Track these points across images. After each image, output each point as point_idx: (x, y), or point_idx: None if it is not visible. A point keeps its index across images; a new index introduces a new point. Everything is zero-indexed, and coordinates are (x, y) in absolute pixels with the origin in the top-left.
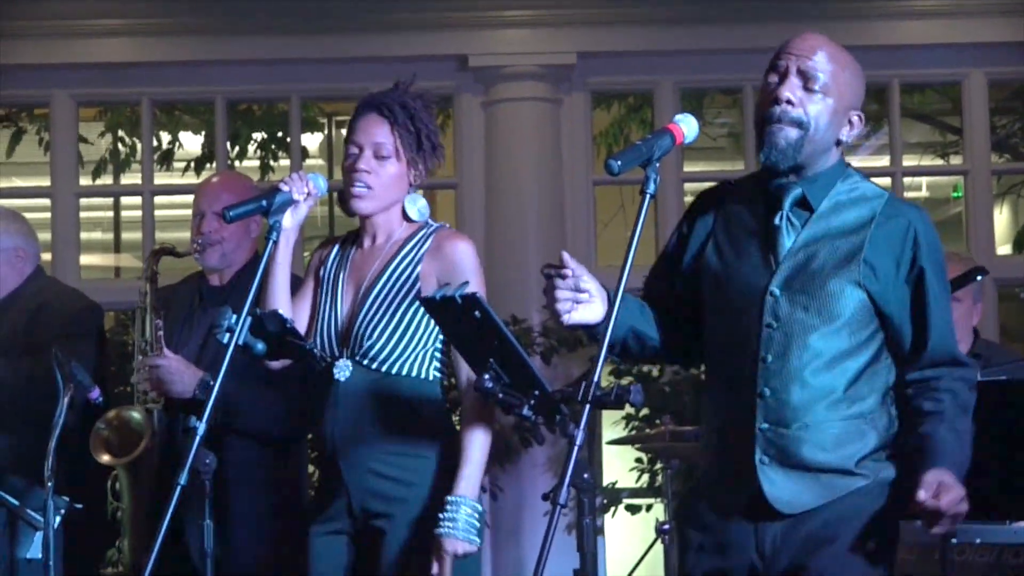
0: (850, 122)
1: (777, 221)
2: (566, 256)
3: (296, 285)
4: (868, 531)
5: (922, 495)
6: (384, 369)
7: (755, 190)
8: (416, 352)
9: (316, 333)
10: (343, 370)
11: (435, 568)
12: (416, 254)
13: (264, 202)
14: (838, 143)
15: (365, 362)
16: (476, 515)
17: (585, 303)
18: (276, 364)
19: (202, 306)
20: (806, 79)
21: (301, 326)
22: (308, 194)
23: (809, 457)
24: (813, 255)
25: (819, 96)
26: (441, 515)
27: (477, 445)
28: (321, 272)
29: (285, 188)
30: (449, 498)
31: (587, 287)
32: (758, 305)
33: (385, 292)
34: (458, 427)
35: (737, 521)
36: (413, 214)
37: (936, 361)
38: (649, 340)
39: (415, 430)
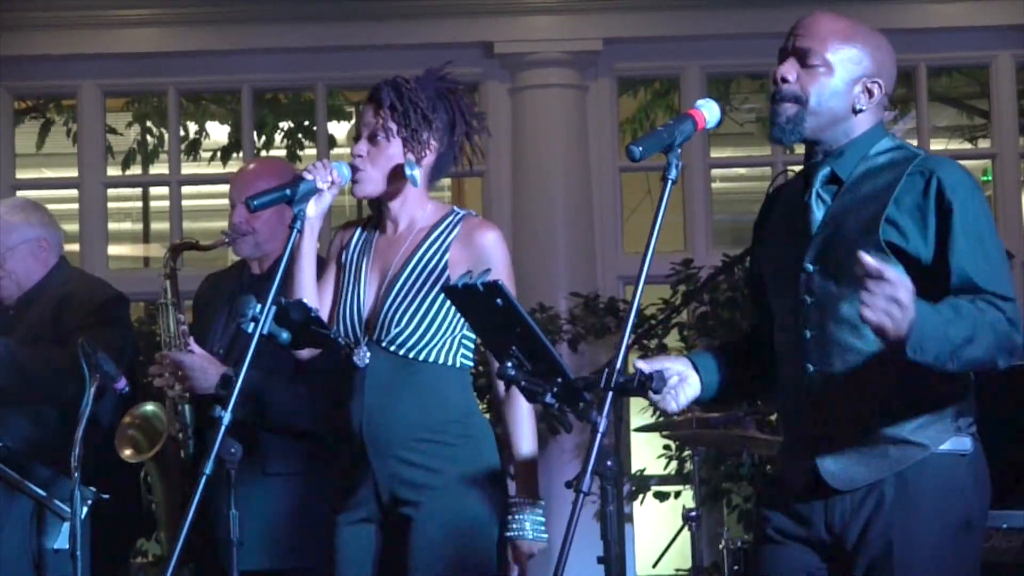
0: (868, 90)
1: (807, 199)
2: (639, 366)
3: (320, 267)
4: (942, 506)
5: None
6: (411, 355)
7: (793, 185)
8: (444, 339)
9: (338, 318)
10: (364, 356)
11: (515, 572)
12: (444, 241)
13: (288, 191)
14: (856, 112)
15: (392, 348)
16: (540, 511)
17: (682, 384)
18: (305, 353)
19: (242, 294)
20: (802, 56)
21: (324, 310)
22: (332, 183)
23: (863, 427)
24: (840, 225)
25: (820, 70)
26: (509, 518)
27: (526, 439)
28: (343, 257)
29: (309, 177)
30: (511, 499)
31: (678, 371)
32: (796, 282)
33: (413, 279)
34: (485, 415)
35: (805, 499)
36: (408, 173)
37: (961, 290)
38: (745, 383)
39: (442, 417)
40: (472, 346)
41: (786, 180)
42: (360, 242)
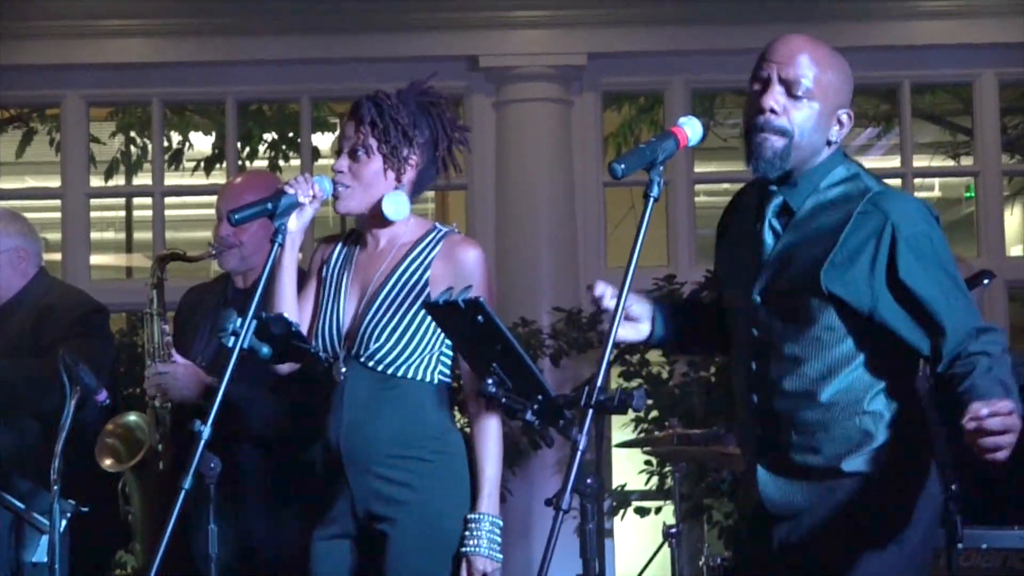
0: (839, 121)
1: (759, 228)
2: (598, 291)
3: (302, 281)
4: (873, 517)
5: (969, 421)
6: (389, 371)
7: (753, 196)
8: (422, 355)
9: (318, 333)
10: (343, 370)
11: None
12: (426, 258)
13: (269, 205)
14: (828, 143)
15: (370, 364)
16: (497, 530)
17: (630, 323)
18: (284, 368)
19: (225, 308)
20: (789, 86)
21: (304, 324)
22: (314, 196)
23: (798, 461)
24: (788, 262)
25: (804, 102)
26: (466, 533)
27: (491, 459)
28: (324, 271)
29: (291, 191)
30: (471, 516)
31: (634, 313)
32: (746, 313)
33: (394, 295)
34: (464, 430)
35: (752, 522)
36: (388, 211)
37: (956, 342)
38: (686, 344)
39: (419, 433)
40: (450, 362)
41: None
42: (341, 256)
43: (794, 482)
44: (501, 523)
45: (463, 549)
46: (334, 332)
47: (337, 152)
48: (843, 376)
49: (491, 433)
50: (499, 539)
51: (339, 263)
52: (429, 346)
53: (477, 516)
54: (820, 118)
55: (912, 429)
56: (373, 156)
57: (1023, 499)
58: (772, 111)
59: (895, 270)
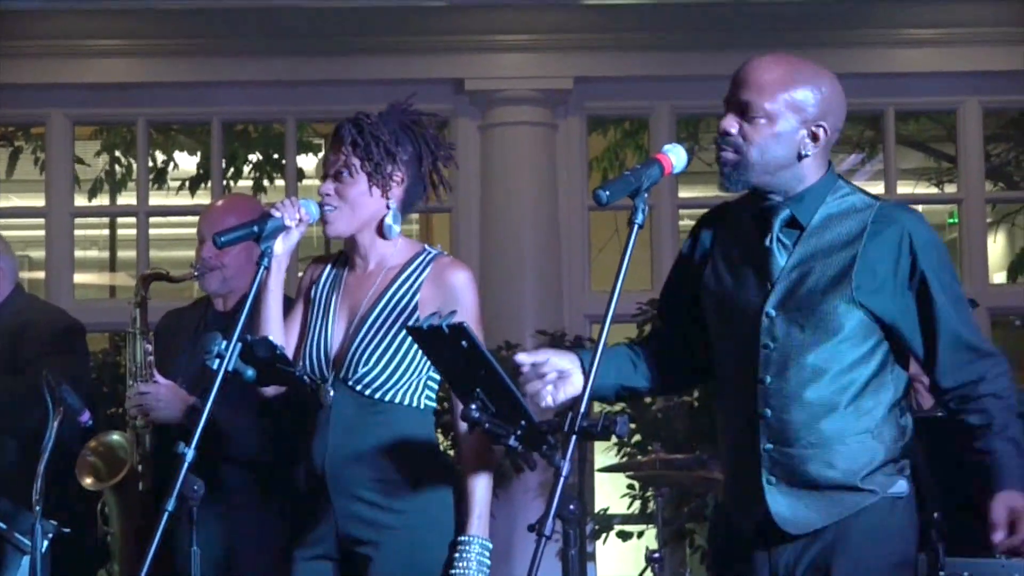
0: (812, 135)
1: (768, 243)
2: (518, 359)
3: (288, 306)
4: (882, 549)
5: (998, 536)
6: (376, 396)
7: (749, 212)
8: (410, 380)
9: (306, 355)
10: (330, 394)
11: None
12: (415, 282)
13: (255, 228)
14: (802, 157)
15: (358, 388)
16: (487, 553)
17: (562, 382)
18: (270, 390)
19: (206, 331)
20: (743, 108)
21: (291, 347)
22: (300, 220)
23: (815, 475)
24: (807, 273)
25: (760, 121)
26: (455, 556)
27: (481, 483)
28: (312, 292)
29: (277, 214)
30: (460, 539)
31: (559, 367)
32: (755, 327)
33: (382, 319)
34: (449, 453)
35: (751, 545)
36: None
37: (961, 361)
38: (640, 389)
39: (404, 458)
40: (436, 387)
41: (729, 205)
42: (330, 279)
43: (808, 497)
44: (491, 546)
45: (452, 572)
46: (322, 355)
47: (323, 177)
48: (863, 387)
49: (482, 458)
50: (488, 563)
51: (328, 285)
52: (417, 371)
53: (467, 539)
54: (781, 134)
55: (909, 446)
56: (357, 175)
57: None
58: (726, 133)
59: (921, 278)
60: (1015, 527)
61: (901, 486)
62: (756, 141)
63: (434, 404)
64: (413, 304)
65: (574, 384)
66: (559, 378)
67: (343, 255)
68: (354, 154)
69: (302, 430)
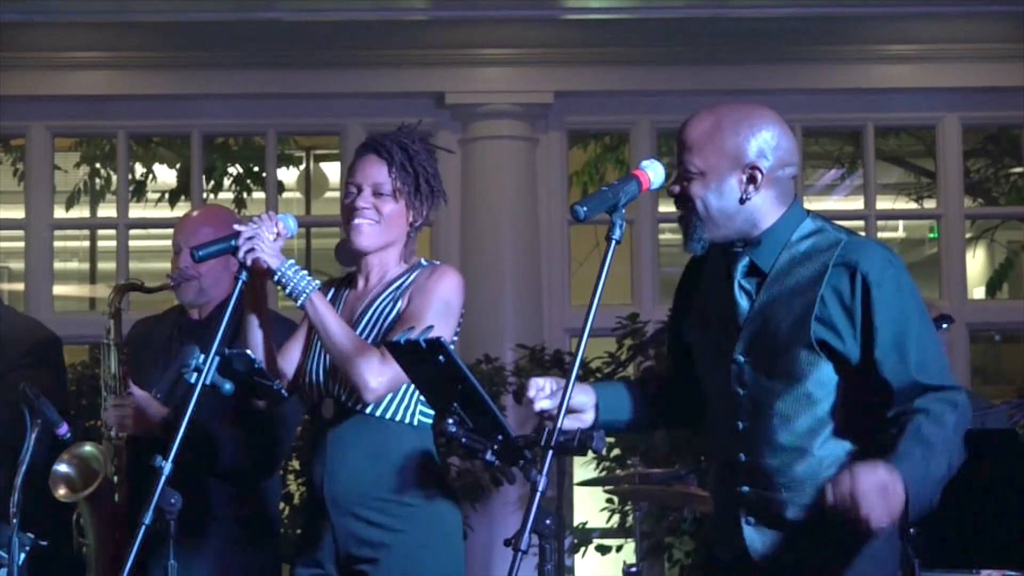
0: (751, 179)
1: (728, 290)
2: (531, 391)
3: (288, 328)
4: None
5: (828, 492)
6: (368, 412)
7: (719, 255)
8: (401, 395)
9: (306, 372)
10: (328, 410)
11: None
12: (399, 291)
13: (233, 242)
14: (743, 201)
15: (350, 404)
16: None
17: (574, 418)
18: (261, 403)
19: (180, 340)
20: (683, 165)
21: (293, 363)
22: (278, 235)
23: (793, 517)
24: (769, 319)
25: (694, 176)
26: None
27: (344, 330)
28: None
29: (252, 228)
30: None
31: (575, 404)
32: (727, 373)
33: (367, 330)
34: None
35: (728, 572)
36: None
37: (904, 392)
38: (649, 425)
39: (402, 476)
40: None
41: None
42: (332, 296)
43: (783, 534)
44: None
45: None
46: (320, 371)
47: (351, 184)
48: (833, 429)
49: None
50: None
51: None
52: (409, 387)
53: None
54: (715, 186)
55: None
56: (399, 199)
57: (985, 542)
58: (671, 194)
59: (871, 316)
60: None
61: None
62: (698, 196)
63: (430, 420)
64: (395, 314)
65: (583, 421)
66: (571, 413)
67: (348, 276)
68: (400, 178)
69: (281, 442)
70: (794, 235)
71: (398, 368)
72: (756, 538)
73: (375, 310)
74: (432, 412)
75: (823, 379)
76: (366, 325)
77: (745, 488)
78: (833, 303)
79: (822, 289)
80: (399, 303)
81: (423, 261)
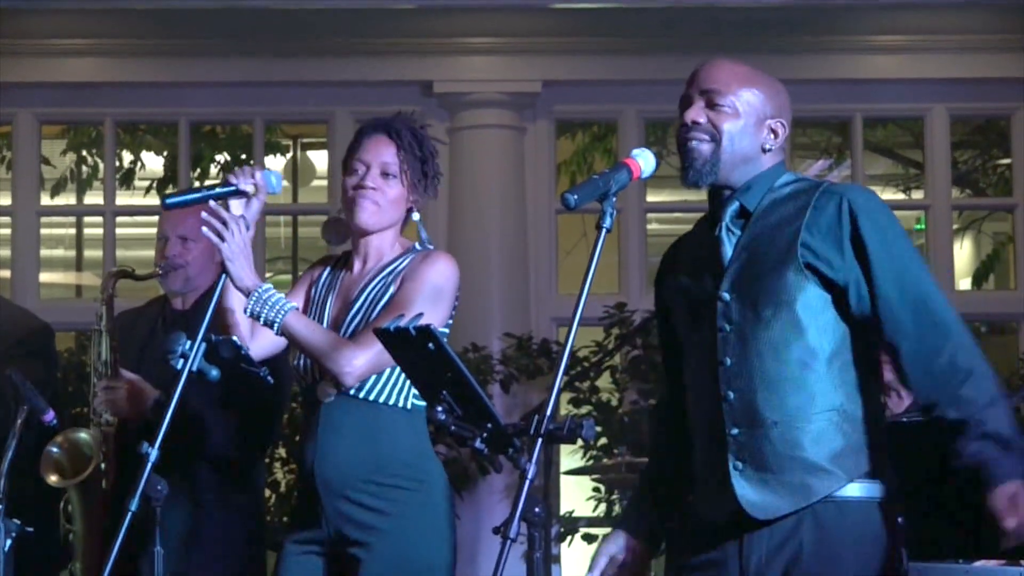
0: (772, 131)
1: (717, 232)
2: None
3: None
4: (861, 557)
5: (1010, 523)
6: (361, 396)
7: (702, 224)
8: (395, 379)
9: (300, 355)
10: (326, 392)
11: None
12: (393, 274)
13: (205, 192)
14: (764, 151)
15: (343, 387)
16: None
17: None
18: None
19: (164, 329)
20: (710, 99)
21: (268, 347)
22: (255, 187)
23: (783, 454)
24: (754, 252)
25: (727, 110)
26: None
27: (316, 334)
28: (311, 293)
29: (232, 180)
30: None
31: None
32: (711, 313)
33: (361, 315)
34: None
35: (719, 538)
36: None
37: (923, 325)
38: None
39: (394, 460)
40: None
41: (677, 241)
42: (327, 278)
43: (775, 481)
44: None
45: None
46: (306, 360)
47: (358, 162)
48: (826, 362)
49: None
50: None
51: (325, 285)
52: (401, 371)
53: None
54: (747, 125)
55: (880, 436)
56: (404, 182)
57: (970, 533)
58: (695, 123)
59: (861, 241)
60: (1018, 510)
61: (876, 489)
62: (726, 130)
63: (423, 404)
64: (387, 298)
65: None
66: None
67: (344, 256)
68: (407, 162)
69: (268, 429)
70: (778, 181)
71: (375, 351)
72: (746, 485)
73: (368, 293)
74: None
75: (811, 302)
76: (359, 308)
77: (735, 431)
78: (818, 229)
79: (807, 217)
80: (391, 287)
81: (417, 246)
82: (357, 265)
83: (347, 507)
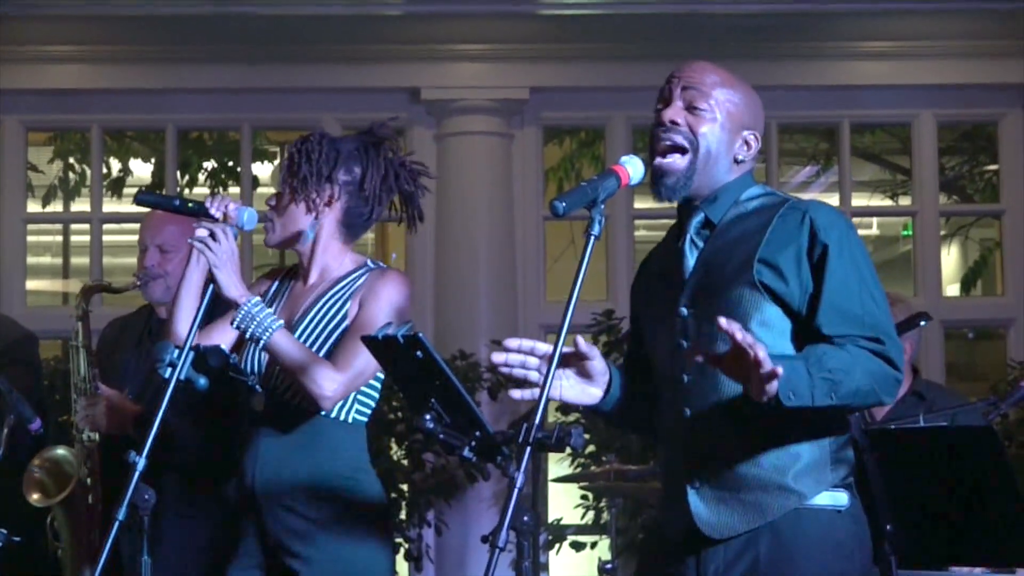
0: (746, 142)
1: (680, 244)
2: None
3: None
4: (820, 566)
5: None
6: (303, 407)
7: (672, 229)
8: None
9: (243, 364)
10: (259, 403)
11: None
12: (347, 292)
13: (177, 202)
14: (736, 162)
15: (286, 398)
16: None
17: (583, 387)
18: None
19: (150, 339)
20: (690, 100)
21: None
22: (225, 216)
23: (741, 473)
24: (713, 267)
25: (706, 115)
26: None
27: (297, 350)
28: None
29: (208, 203)
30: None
31: (596, 368)
32: (672, 329)
33: (310, 329)
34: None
35: (680, 551)
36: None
37: (839, 331)
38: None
39: (333, 472)
40: (369, 403)
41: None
42: (275, 290)
43: (732, 500)
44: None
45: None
46: (255, 365)
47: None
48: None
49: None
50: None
51: (272, 296)
52: None
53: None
54: (724, 132)
55: (845, 449)
56: (292, 193)
57: (965, 540)
58: (673, 122)
59: (820, 254)
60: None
61: (839, 498)
62: (703, 134)
63: (365, 419)
64: (342, 315)
65: (588, 393)
66: (580, 376)
67: (293, 269)
68: (288, 171)
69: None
70: (744, 194)
71: (352, 374)
72: (700, 503)
73: (319, 311)
74: (367, 412)
75: (768, 320)
76: (311, 321)
77: (693, 447)
78: (778, 244)
79: (768, 233)
80: (347, 304)
81: (370, 262)
82: (308, 277)
83: (285, 517)
